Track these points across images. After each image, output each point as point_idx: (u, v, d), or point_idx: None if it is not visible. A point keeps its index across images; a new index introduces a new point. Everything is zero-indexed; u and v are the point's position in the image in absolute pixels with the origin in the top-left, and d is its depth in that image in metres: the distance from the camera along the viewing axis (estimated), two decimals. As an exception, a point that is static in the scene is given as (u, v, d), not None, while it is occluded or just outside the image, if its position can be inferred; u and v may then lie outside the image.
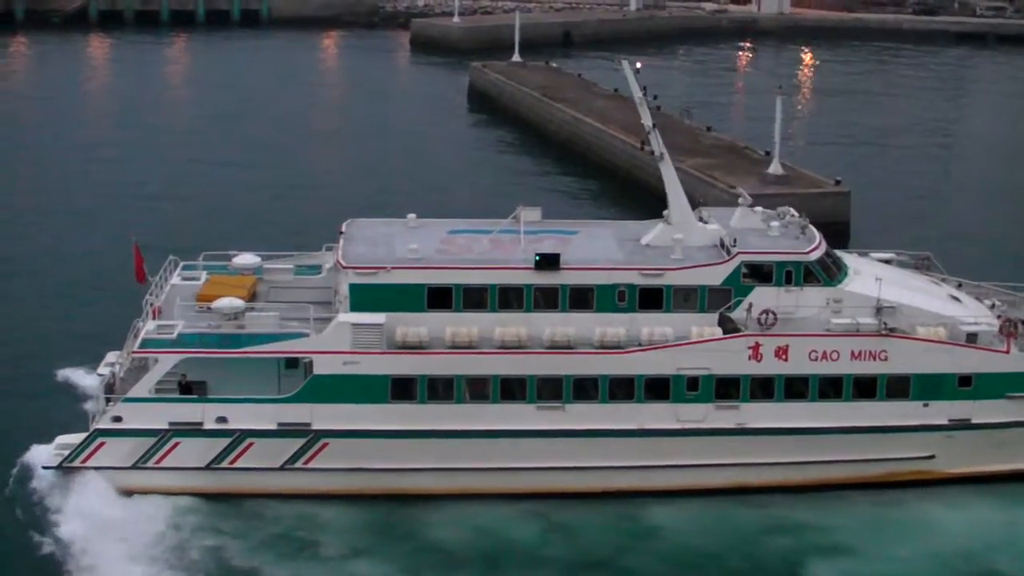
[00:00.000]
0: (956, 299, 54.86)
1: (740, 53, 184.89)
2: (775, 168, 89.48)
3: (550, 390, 50.69)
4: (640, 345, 50.79)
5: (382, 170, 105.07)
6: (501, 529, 49.59)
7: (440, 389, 50.54)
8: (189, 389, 50.39)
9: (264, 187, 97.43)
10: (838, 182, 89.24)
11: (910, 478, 52.87)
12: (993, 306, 55.15)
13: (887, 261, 58.37)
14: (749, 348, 50.79)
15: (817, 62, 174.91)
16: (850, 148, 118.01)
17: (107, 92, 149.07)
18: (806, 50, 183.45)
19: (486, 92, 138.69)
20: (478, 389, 50.64)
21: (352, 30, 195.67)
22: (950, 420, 52.05)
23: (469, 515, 50.10)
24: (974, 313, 53.52)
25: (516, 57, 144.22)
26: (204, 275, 55.16)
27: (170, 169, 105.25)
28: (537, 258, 51.10)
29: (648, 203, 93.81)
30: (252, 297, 53.05)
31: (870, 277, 52.84)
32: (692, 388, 50.95)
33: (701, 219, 55.33)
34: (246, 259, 55.48)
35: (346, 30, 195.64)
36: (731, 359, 50.75)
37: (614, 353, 50.62)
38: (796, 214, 56.60)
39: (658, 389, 50.91)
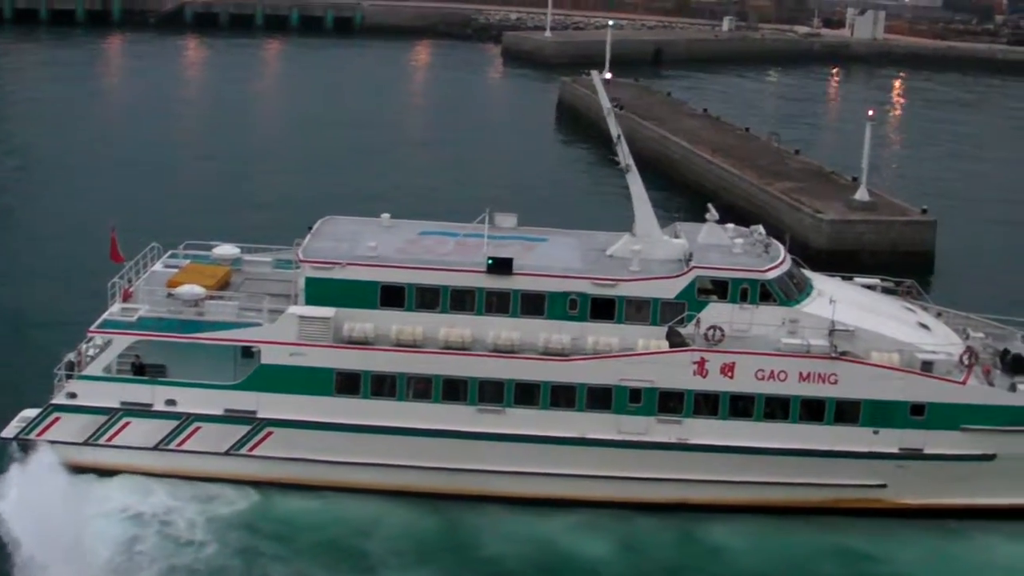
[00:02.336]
0: (925, 327, 53.75)
1: (831, 78, 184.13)
2: (861, 194, 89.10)
3: (492, 393, 50.75)
4: (586, 354, 50.80)
5: (463, 179, 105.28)
6: (557, 541, 49.83)
7: (384, 386, 50.94)
8: (143, 371, 51.55)
9: (333, 191, 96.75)
10: (924, 211, 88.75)
11: (860, 506, 52.10)
12: (967, 336, 54.00)
13: (871, 287, 57.73)
14: (694, 363, 50.32)
15: (909, 90, 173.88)
16: (939, 178, 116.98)
17: (193, 92, 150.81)
18: (898, 77, 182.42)
19: (574, 107, 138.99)
20: (421, 388, 50.91)
21: (444, 41, 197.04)
22: (901, 449, 50.94)
23: (524, 525, 50.38)
24: (939, 342, 52.28)
25: (606, 73, 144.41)
26: (187, 263, 56.44)
27: (238, 169, 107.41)
28: (490, 262, 51.19)
29: (735, 223, 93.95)
30: (224, 287, 53.79)
31: (838, 301, 52.12)
32: (634, 400, 50.62)
33: (676, 235, 55.10)
34: (225, 250, 56.74)
35: (438, 40, 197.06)
36: (675, 373, 50.36)
37: (556, 360, 50.58)
38: (761, 231, 55.86)
39: (600, 399, 50.67)
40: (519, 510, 50.85)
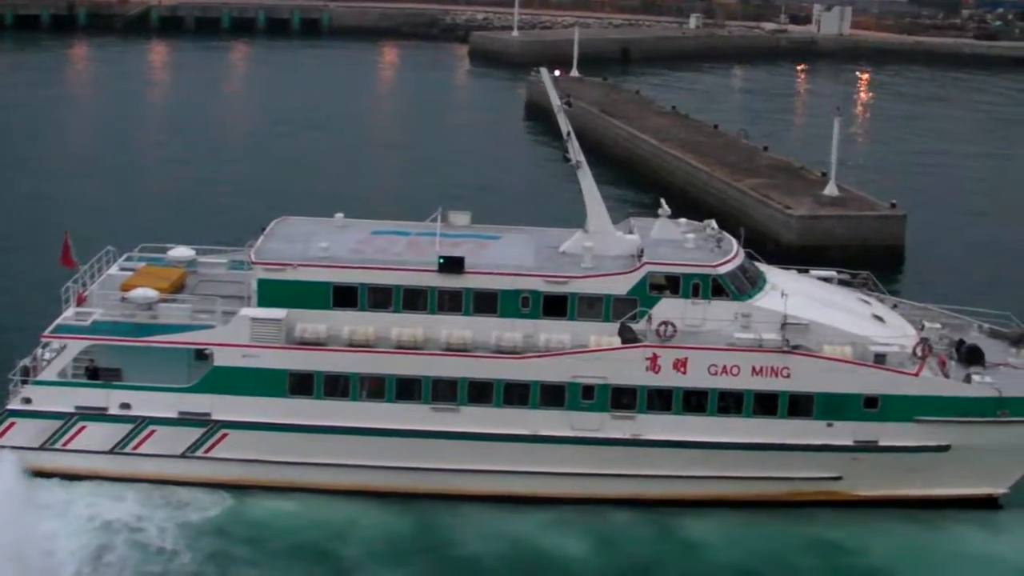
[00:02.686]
0: (879, 319, 53.88)
1: (798, 74, 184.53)
2: (831, 189, 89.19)
3: (445, 392, 50.78)
4: (538, 351, 50.80)
5: (429, 179, 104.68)
6: (534, 538, 49.75)
7: (337, 386, 50.90)
8: (97, 375, 51.35)
9: (296, 192, 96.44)
10: (894, 205, 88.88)
11: (816, 498, 52.20)
12: (923, 328, 54.04)
13: (827, 279, 57.88)
14: (647, 359, 50.36)
15: (876, 85, 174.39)
16: (907, 172, 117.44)
17: (157, 95, 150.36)
18: (865, 72, 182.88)
19: (543, 106, 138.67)
20: (374, 388, 50.88)
21: (411, 41, 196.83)
22: (856, 441, 50.98)
23: (499, 523, 50.35)
24: (893, 334, 52.36)
25: (574, 72, 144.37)
26: (141, 266, 56.33)
27: (200, 171, 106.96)
28: (441, 261, 51.16)
29: (704, 218, 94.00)
30: (178, 289, 53.80)
31: (791, 294, 52.22)
32: (587, 396, 50.61)
33: (630, 230, 55.12)
34: (180, 252, 56.54)
35: (405, 41, 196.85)
36: (628, 369, 50.38)
37: (509, 358, 50.59)
38: (714, 226, 55.89)
39: (553, 396, 50.68)
40: (494, 508, 50.77)
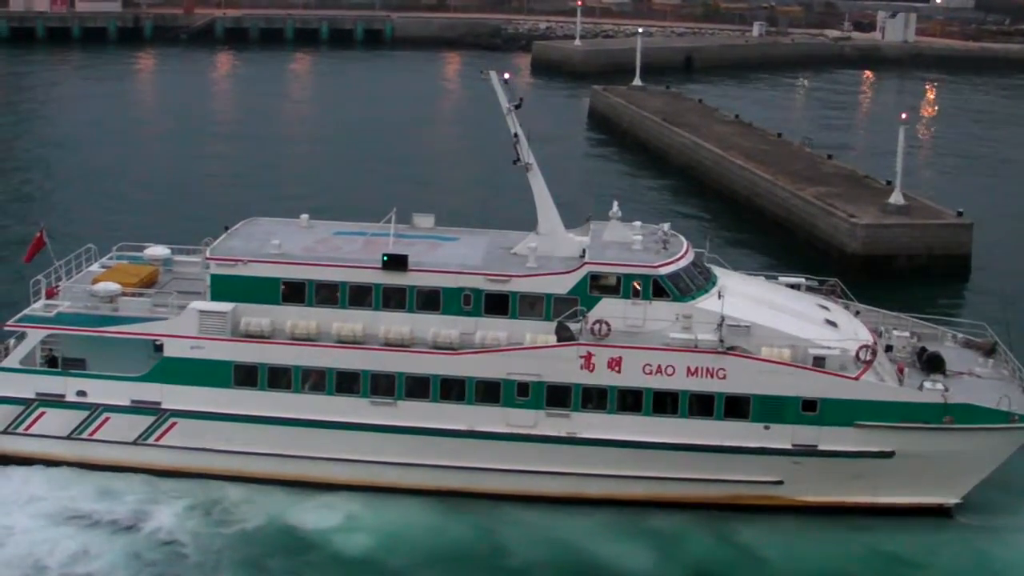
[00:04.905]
0: (832, 324, 53.53)
1: (862, 82, 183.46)
2: (896, 198, 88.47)
3: (383, 386, 51.69)
4: (474, 348, 51.36)
5: (488, 184, 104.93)
6: (582, 543, 49.95)
7: (280, 378, 52.19)
8: (55, 363, 53.42)
9: (338, 198, 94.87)
10: (960, 213, 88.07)
11: (758, 503, 52.02)
12: (887, 335, 54.18)
13: (795, 286, 57.94)
14: (581, 357, 50.62)
15: (941, 92, 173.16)
16: (975, 180, 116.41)
17: (221, 103, 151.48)
18: (930, 79, 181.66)
19: (606, 115, 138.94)
20: (315, 381, 52.09)
21: (474, 51, 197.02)
22: (794, 445, 50.72)
23: (547, 527, 50.59)
24: (839, 338, 51.85)
25: (637, 81, 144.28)
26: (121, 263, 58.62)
27: (245, 175, 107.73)
28: (385, 259, 52.15)
29: (768, 228, 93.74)
30: (148, 285, 55.61)
31: (735, 295, 52.30)
32: (522, 393, 51.09)
33: (588, 232, 55.50)
34: (156, 251, 58.85)
35: (468, 51, 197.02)
36: (563, 367, 50.72)
37: (444, 354, 51.27)
38: (666, 229, 55.85)
39: (489, 392, 51.31)
40: (542, 512, 51.24)
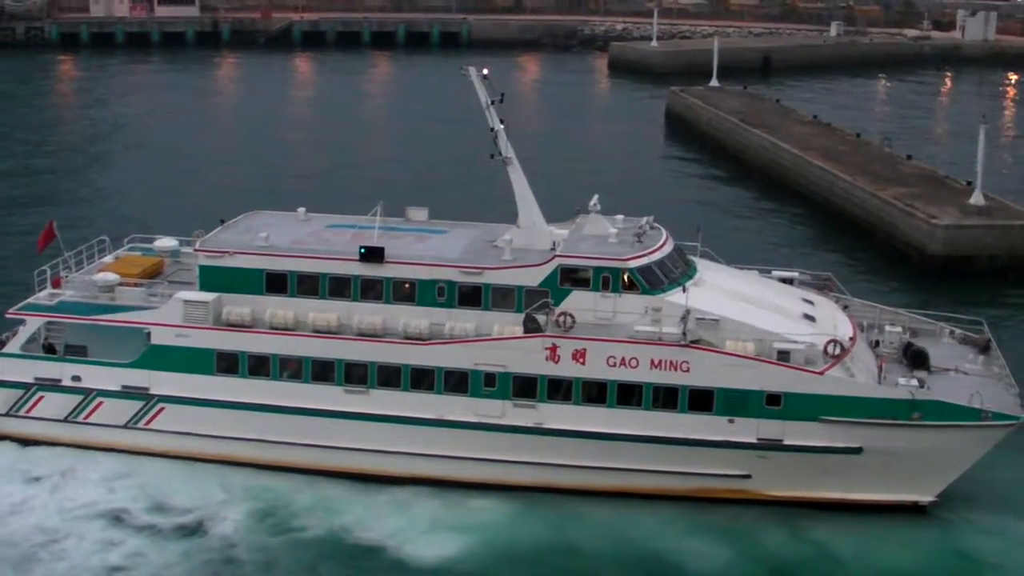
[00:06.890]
0: (810, 318, 53.25)
1: (942, 81, 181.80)
2: (976, 199, 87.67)
3: (356, 375, 53.11)
4: (444, 339, 52.40)
5: (567, 185, 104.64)
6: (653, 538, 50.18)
7: (260, 366, 53.93)
8: (53, 349, 55.92)
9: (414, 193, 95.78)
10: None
11: (726, 496, 51.97)
12: (879, 330, 54.09)
13: (789, 280, 57.99)
14: (547, 349, 51.15)
15: (1023, 91, 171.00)
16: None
17: (299, 106, 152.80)
18: (1011, 78, 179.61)
19: (683, 116, 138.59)
20: (293, 369, 53.67)
21: (550, 53, 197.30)
22: (759, 439, 50.65)
23: (619, 522, 50.94)
24: (810, 332, 51.65)
25: (714, 82, 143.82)
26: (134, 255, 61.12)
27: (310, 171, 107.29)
28: (362, 251, 53.53)
29: (846, 229, 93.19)
30: (152, 276, 58.15)
31: (710, 289, 52.51)
32: (489, 384, 51.89)
33: (573, 227, 55.98)
34: (164, 243, 61.38)
35: (544, 53, 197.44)
36: (529, 358, 51.40)
37: (414, 344, 52.41)
38: (649, 222, 55.95)
39: (457, 382, 52.28)
40: (615, 507, 51.56)
